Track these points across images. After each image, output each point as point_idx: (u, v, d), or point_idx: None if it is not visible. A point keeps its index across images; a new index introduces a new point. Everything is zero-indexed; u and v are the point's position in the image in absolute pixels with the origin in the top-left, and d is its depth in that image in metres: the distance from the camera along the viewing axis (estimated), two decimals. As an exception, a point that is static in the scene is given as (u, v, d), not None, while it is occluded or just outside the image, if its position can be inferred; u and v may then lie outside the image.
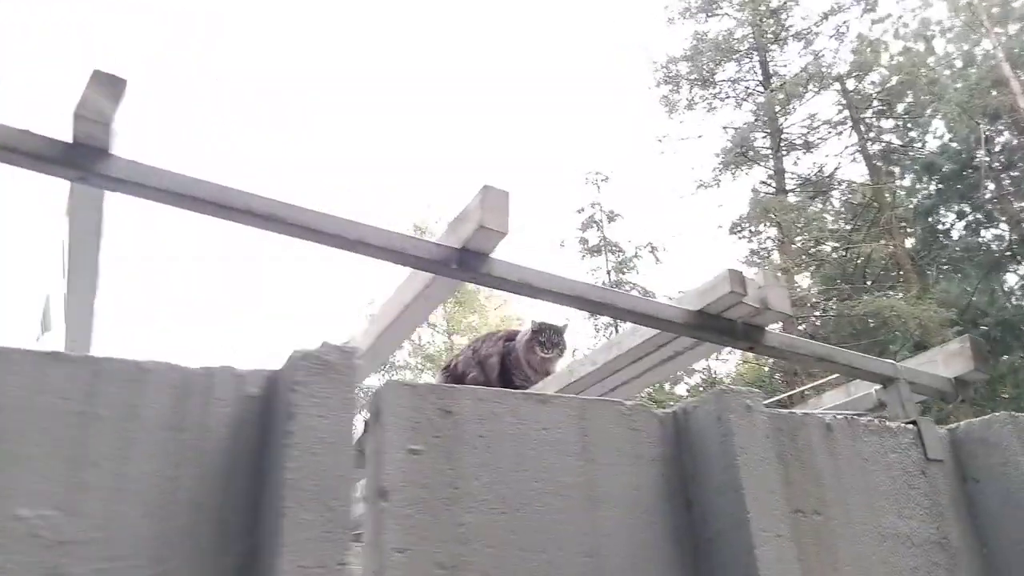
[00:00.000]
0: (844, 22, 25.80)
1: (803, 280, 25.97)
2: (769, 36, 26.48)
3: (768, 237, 26.63)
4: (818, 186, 26.17)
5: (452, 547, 1.73)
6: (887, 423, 2.50)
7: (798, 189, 26.43)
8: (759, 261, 26.17)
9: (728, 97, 27.20)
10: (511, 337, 3.95)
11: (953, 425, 2.64)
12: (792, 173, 26.31)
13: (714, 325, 2.39)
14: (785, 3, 26.33)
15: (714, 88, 27.05)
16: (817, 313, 24.95)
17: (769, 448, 2.04)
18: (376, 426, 1.79)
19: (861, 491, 2.30)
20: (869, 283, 24.05)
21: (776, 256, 25.68)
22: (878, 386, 2.71)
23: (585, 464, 1.98)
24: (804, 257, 25.54)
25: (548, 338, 3.69)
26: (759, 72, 26.79)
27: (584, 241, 25.78)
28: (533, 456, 1.92)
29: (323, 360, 1.58)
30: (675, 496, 2.07)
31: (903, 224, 25.01)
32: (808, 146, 26.32)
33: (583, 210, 26.15)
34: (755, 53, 26.68)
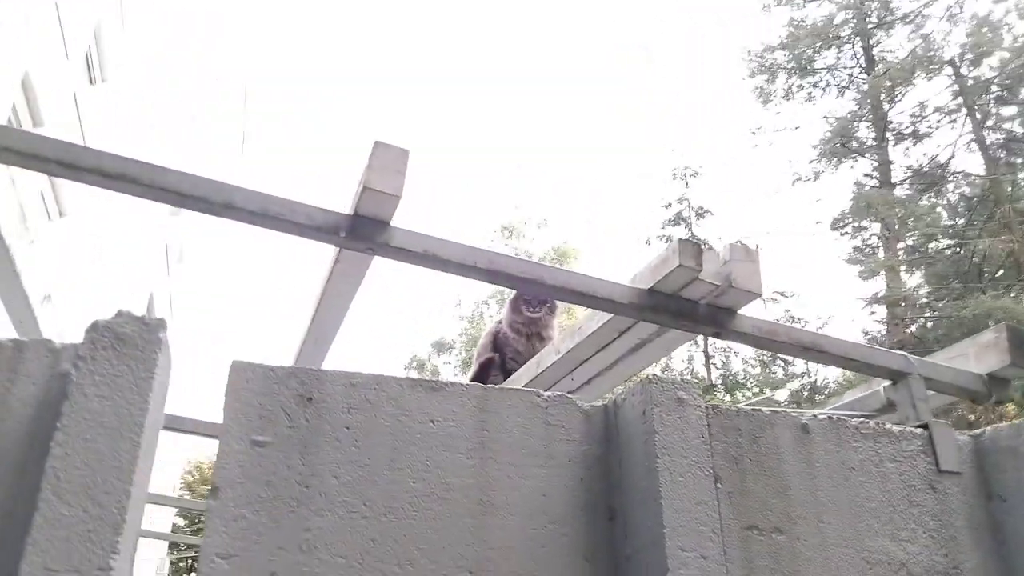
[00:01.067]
0: (958, 2, 23.99)
1: (913, 279, 24.29)
2: (873, 20, 24.95)
3: (873, 234, 25.12)
4: (929, 178, 24.43)
5: (291, 555, 1.49)
6: (887, 426, 2.08)
7: (907, 182, 24.78)
8: (863, 259, 24.74)
9: (828, 85, 25.82)
10: None
11: (978, 431, 2.18)
12: (901, 165, 24.69)
13: (669, 306, 2.04)
14: (892, -16, 24.74)
15: (813, 76, 25.73)
16: (928, 314, 23.29)
17: (704, 451, 1.69)
18: (223, 414, 1.57)
19: (843, 507, 1.91)
20: (985, 282, 22.22)
21: (881, 253, 24.17)
22: (888, 382, 2.28)
23: (480, 463, 1.70)
24: (916, 254, 23.88)
25: (534, 295, 3.34)
26: (862, 58, 25.29)
27: (669, 239, 24.97)
28: (414, 453, 1.65)
29: (116, 333, 1.37)
30: (596, 505, 1.75)
31: (1024, 219, 22.98)
32: (917, 136, 24.62)
33: (670, 205, 25.37)
34: (857, 38, 25.19)
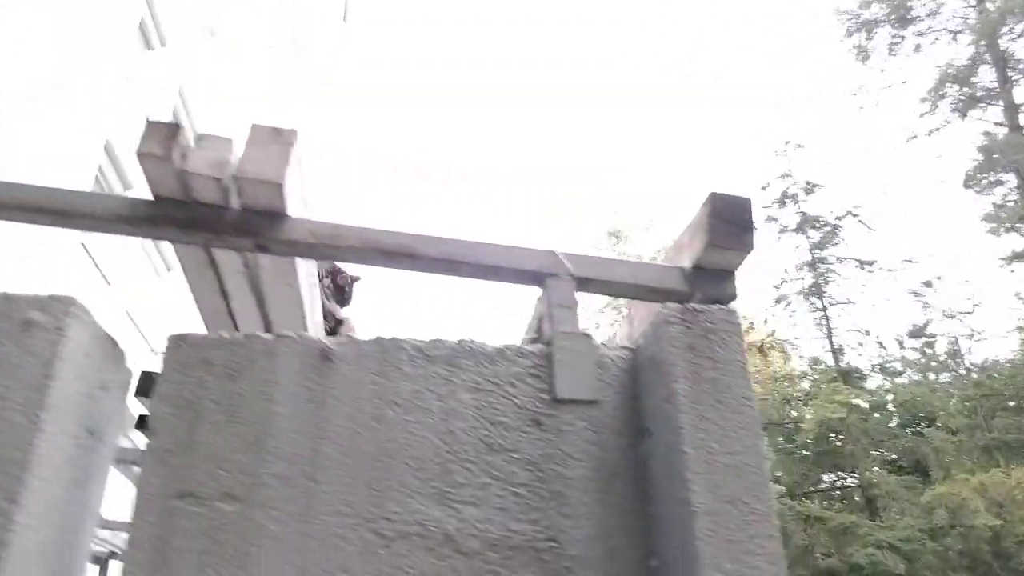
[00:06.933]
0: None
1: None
2: (978, -50, 22.43)
3: (1013, 187, 22.35)
4: (1070, 116, 21.50)
5: None
6: (483, 345, 1.48)
7: (1044, 123, 21.89)
8: (1003, 216, 22.02)
9: (936, 31, 23.39)
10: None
11: (638, 340, 1.52)
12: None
13: (178, 216, 1.55)
14: (995, -92, 22.18)
15: (916, 25, 23.40)
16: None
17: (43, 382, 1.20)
18: None
19: (363, 459, 1.34)
20: None
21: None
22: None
23: None
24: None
25: None
26: (971, -6, 22.72)
27: (773, 219, 23.29)
28: None
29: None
30: None
31: None
32: (1048, 70, 21.73)
33: (768, 186, 23.68)
34: (963, -25, 22.68)
